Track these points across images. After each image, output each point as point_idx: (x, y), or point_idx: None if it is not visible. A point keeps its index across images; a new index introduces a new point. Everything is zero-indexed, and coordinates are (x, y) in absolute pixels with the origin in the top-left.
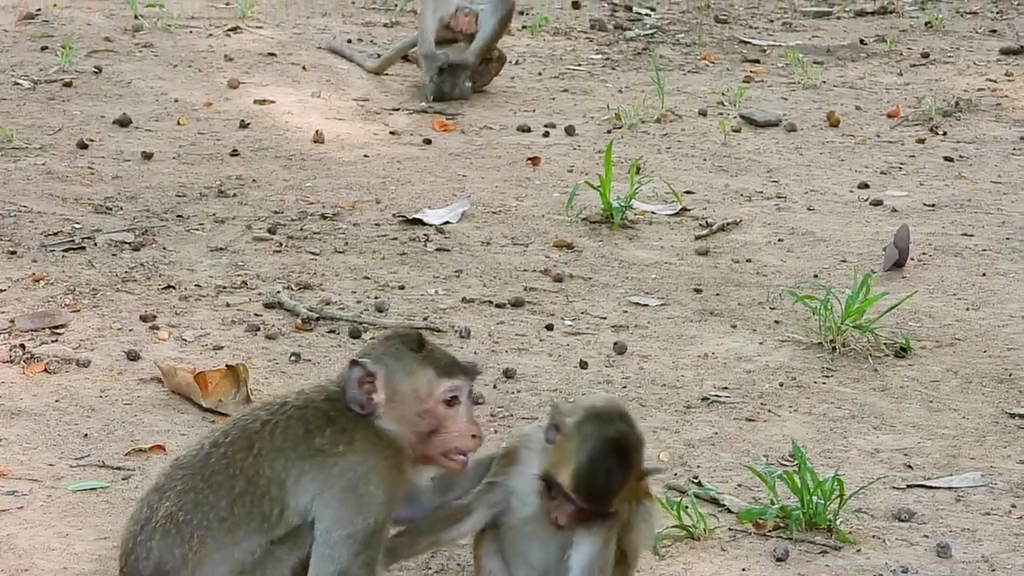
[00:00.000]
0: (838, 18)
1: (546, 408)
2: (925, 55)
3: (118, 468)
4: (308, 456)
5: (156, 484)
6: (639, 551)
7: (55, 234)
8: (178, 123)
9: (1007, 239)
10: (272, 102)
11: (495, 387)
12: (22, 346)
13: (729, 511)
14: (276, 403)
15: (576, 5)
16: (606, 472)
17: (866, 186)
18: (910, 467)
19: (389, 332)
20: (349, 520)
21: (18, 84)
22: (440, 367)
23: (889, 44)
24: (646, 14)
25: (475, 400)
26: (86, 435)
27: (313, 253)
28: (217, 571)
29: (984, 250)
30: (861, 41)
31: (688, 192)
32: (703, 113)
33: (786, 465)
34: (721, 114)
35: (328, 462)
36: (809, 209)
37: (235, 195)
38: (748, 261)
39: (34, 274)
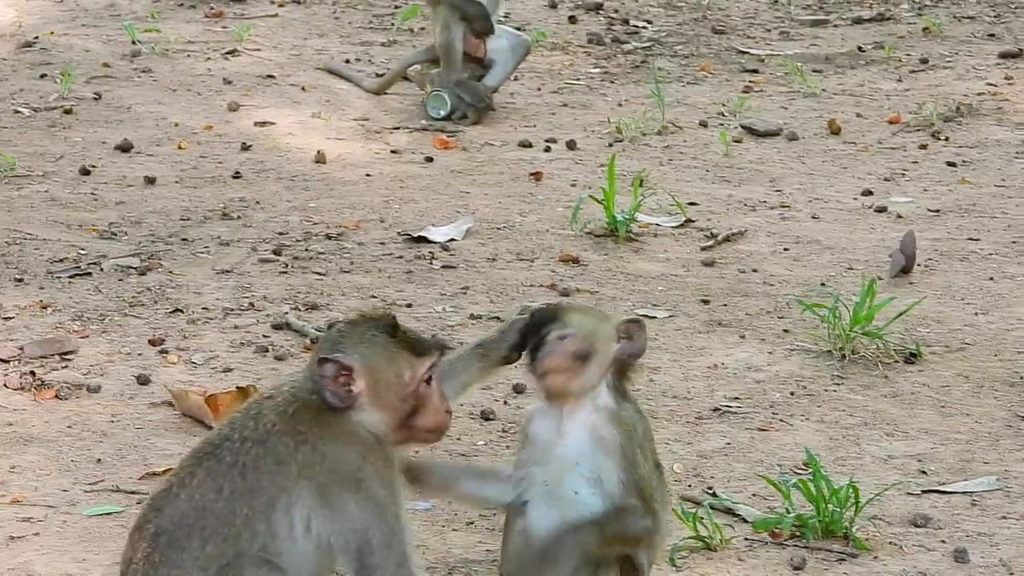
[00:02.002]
0: (835, 26)
1: None
2: (924, 61)
3: (132, 492)
4: (290, 486)
5: (136, 523)
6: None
7: (61, 260)
8: (179, 147)
9: (1013, 243)
10: (272, 124)
11: (505, 403)
12: (32, 373)
13: (745, 521)
14: (235, 438)
15: (573, 20)
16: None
17: (870, 193)
18: (924, 472)
19: (355, 318)
20: (362, 530)
21: (19, 112)
22: (416, 348)
23: (887, 51)
24: (643, 27)
25: (484, 415)
26: (99, 460)
27: (319, 273)
28: None
29: (990, 254)
30: (859, 48)
31: (692, 203)
32: (704, 124)
33: (800, 474)
34: (722, 125)
35: (313, 483)
36: (814, 217)
37: (239, 217)
38: (754, 271)
39: (41, 301)
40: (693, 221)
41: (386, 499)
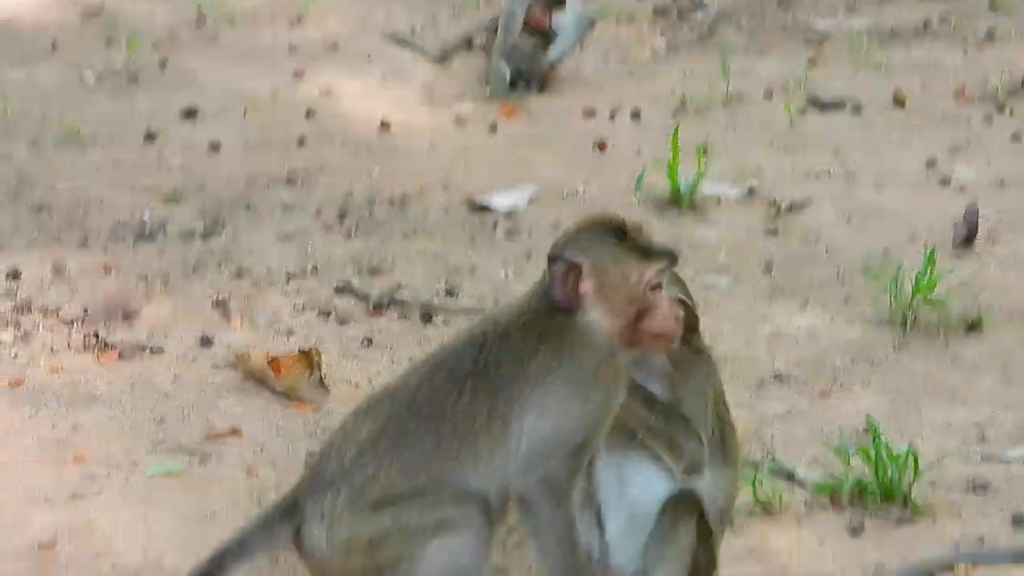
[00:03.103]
0: None
1: None
2: (990, 34)
3: (194, 452)
4: (528, 384)
5: (363, 404)
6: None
7: (125, 223)
8: (244, 113)
9: None
10: (337, 91)
11: None
12: (95, 334)
13: (804, 485)
14: (476, 342)
15: None
16: None
17: (934, 164)
18: (984, 439)
19: (584, 222)
20: (568, 429)
21: (84, 78)
22: (645, 252)
23: (953, 24)
24: None
25: None
26: (162, 420)
27: (382, 238)
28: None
29: None
30: (925, 22)
31: (756, 173)
32: (768, 95)
33: (860, 439)
34: (787, 96)
35: (547, 380)
36: (877, 188)
37: (303, 183)
38: (817, 240)
39: (105, 263)
40: (757, 191)
41: (599, 413)
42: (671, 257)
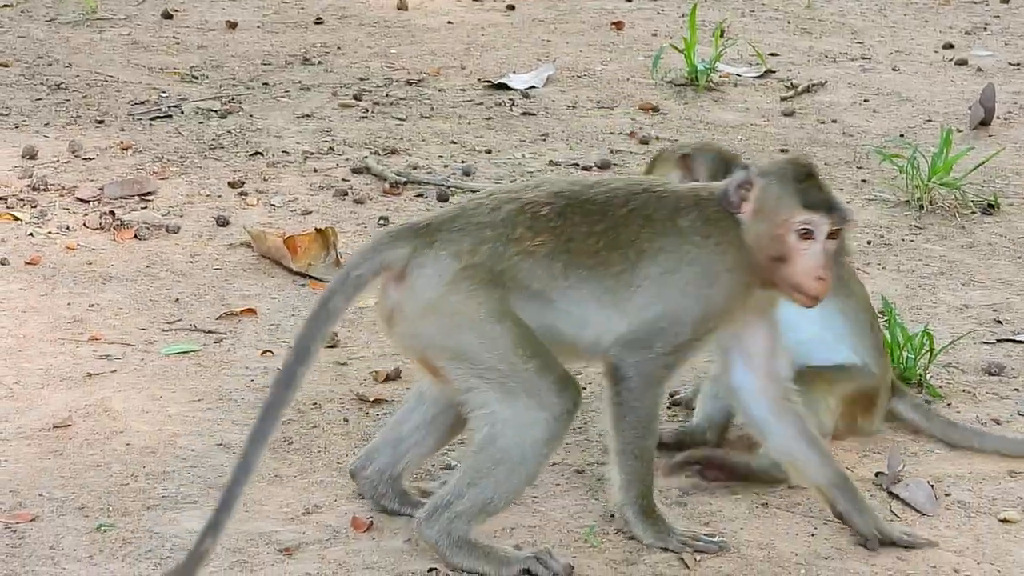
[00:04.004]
0: None
1: None
2: None
3: (210, 332)
4: (670, 233)
5: (531, 182)
6: None
7: (142, 103)
8: None
9: None
10: None
11: None
12: (112, 213)
13: None
14: (650, 180)
15: None
16: None
17: (951, 46)
18: (999, 322)
19: (790, 155)
20: (678, 317)
21: None
22: (808, 199)
23: None
24: None
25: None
26: (177, 300)
27: (399, 119)
28: (535, 275)
29: None
30: None
31: (772, 54)
32: None
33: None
34: None
35: (685, 246)
36: (894, 70)
37: (320, 63)
38: (834, 122)
39: (122, 142)
40: (773, 72)
41: (717, 313)
42: (832, 214)
